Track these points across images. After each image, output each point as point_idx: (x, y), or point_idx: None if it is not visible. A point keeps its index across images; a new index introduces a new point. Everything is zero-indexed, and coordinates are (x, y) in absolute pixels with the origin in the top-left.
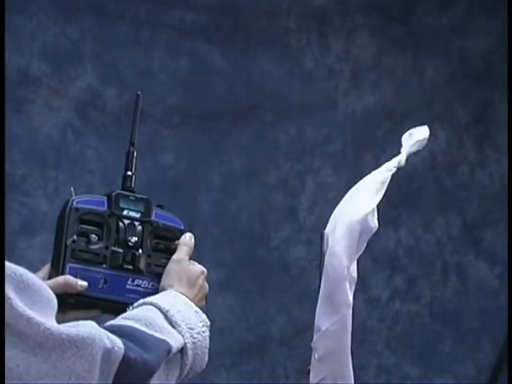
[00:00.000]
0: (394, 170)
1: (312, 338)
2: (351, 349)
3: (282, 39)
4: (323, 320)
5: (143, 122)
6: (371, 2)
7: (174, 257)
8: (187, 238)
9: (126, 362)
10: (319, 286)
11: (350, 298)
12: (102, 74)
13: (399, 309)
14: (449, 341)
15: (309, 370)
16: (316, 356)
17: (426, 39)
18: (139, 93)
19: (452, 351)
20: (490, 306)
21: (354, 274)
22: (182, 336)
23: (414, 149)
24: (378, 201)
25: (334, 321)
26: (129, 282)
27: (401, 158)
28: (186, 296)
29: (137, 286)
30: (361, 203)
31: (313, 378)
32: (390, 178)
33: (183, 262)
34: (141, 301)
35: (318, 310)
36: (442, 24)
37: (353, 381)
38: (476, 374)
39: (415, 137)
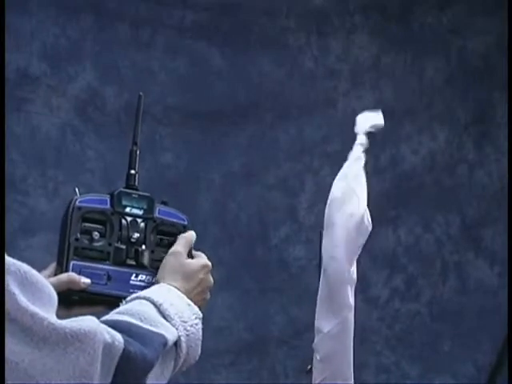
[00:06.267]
0: (363, 155)
1: (312, 337)
2: None
3: (282, 39)
4: (324, 322)
5: (142, 121)
6: (371, 2)
7: (171, 250)
8: (188, 232)
9: (125, 356)
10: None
11: (352, 300)
12: (101, 74)
13: (399, 308)
14: (448, 340)
15: (309, 369)
16: (317, 357)
17: (425, 39)
18: (141, 93)
19: (451, 350)
20: (490, 305)
21: (354, 275)
22: (176, 329)
23: (370, 129)
24: (365, 197)
25: (335, 323)
26: (132, 278)
27: (361, 141)
28: (179, 289)
29: (140, 281)
30: (353, 204)
31: (315, 378)
32: (364, 168)
33: (179, 255)
34: (134, 295)
35: (318, 312)
36: (441, 24)
37: (353, 381)
38: (475, 373)
39: (370, 120)
